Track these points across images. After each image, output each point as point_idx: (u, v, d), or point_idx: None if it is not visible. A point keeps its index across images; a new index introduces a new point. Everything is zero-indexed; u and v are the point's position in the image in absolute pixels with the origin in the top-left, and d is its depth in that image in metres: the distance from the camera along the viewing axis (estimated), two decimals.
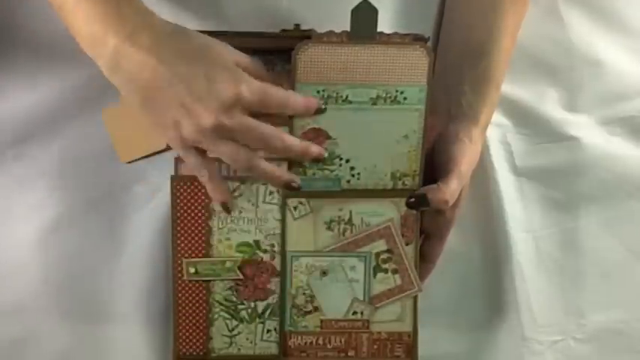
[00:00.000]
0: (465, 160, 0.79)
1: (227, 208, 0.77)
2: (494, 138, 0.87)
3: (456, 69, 0.82)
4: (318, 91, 0.74)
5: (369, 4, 0.73)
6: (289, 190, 0.76)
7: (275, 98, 0.72)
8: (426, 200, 0.77)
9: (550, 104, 0.89)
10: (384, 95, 0.75)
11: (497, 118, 0.87)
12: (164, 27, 0.71)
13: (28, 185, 0.83)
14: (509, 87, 0.87)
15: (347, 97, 0.75)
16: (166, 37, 0.70)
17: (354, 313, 0.80)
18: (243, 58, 0.73)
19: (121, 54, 0.70)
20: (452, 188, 0.77)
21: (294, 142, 0.74)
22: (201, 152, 0.74)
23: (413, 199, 0.77)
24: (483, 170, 0.86)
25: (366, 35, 0.73)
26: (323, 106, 0.74)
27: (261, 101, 0.71)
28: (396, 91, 0.75)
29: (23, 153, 0.83)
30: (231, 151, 0.72)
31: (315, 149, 0.75)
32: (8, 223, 0.83)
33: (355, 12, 0.73)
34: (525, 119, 0.88)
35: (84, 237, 0.83)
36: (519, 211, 0.88)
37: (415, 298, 0.80)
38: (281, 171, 0.75)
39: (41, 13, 0.81)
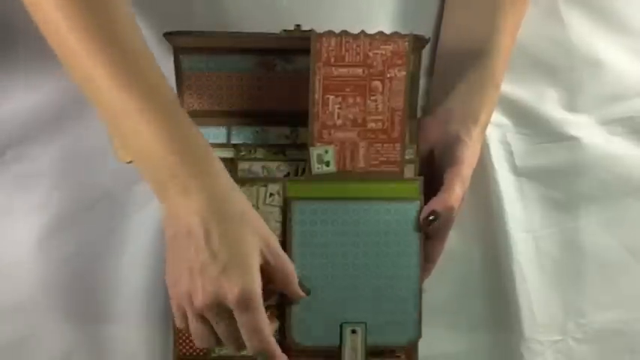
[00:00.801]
0: (466, 162, 0.79)
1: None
2: (494, 138, 0.87)
3: (456, 69, 0.82)
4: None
5: None
6: None
7: (254, 322, 0.70)
8: (435, 215, 0.77)
9: (550, 104, 0.89)
10: None
11: (497, 118, 0.87)
12: (222, 186, 0.71)
13: (28, 185, 0.83)
14: (509, 87, 0.87)
15: None
16: (219, 200, 0.70)
17: None
18: (270, 237, 0.72)
19: (170, 193, 0.70)
20: (455, 193, 0.77)
21: (267, 346, 0.72)
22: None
23: (423, 221, 0.77)
24: (483, 170, 0.86)
25: None
26: None
27: (241, 314, 0.70)
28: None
29: (23, 153, 0.84)
30: (224, 331, 0.72)
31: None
32: (8, 223, 0.83)
33: None
34: (525, 119, 0.88)
35: (84, 237, 0.83)
36: (519, 211, 0.88)
37: (419, 302, 0.79)
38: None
39: None
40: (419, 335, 0.79)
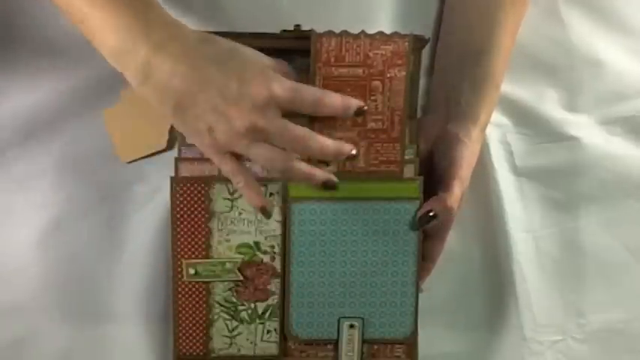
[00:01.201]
0: (466, 163, 0.79)
1: (266, 212, 0.77)
2: (495, 138, 0.87)
3: (456, 68, 0.82)
4: None
5: None
6: (327, 189, 0.75)
7: (309, 96, 0.72)
8: (432, 214, 0.77)
9: (550, 104, 0.89)
10: None
11: (497, 118, 0.87)
12: (192, 35, 0.71)
13: (29, 185, 0.83)
14: (509, 87, 0.87)
15: None
16: (195, 44, 0.70)
17: None
18: (270, 61, 0.72)
19: (151, 64, 0.69)
20: (455, 194, 0.77)
21: (327, 142, 0.73)
22: (237, 158, 0.73)
23: (418, 220, 0.77)
24: (483, 170, 0.86)
25: None
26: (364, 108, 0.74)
27: (294, 99, 0.71)
28: None
29: (23, 153, 0.84)
30: (266, 154, 0.72)
31: (347, 148, 0.74)
32: (8, 223, 0.83)
33: None
34: (525, 119, 0.88)
35: (84, 237, 0.83)
36: (519, 211, 0.88)
37: (415, 299, 0.79)
38: (318, 170, 0.75)
39: (42, 13, 0.81)
40: (415, 330, 0.80)
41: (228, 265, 0.78)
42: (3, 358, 0.83)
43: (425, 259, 0.80)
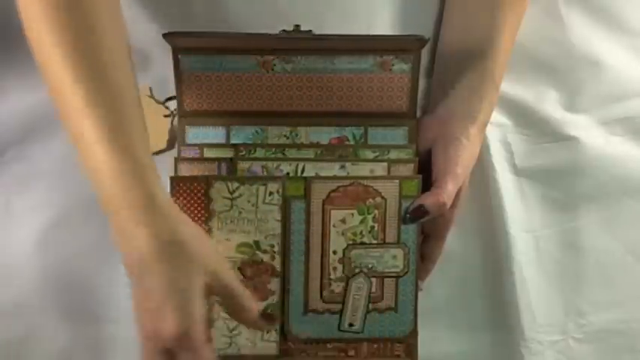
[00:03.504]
0: (461, 161, 0.78)
1: None
2: (495, 138, 0.87)
3: (455, 68, 0.81)
4: None
5: None
6: None
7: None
8: (424, 209, 0.77)
9: (550, 104, 0.89)
10: None
11: (498, 118, 0.87)
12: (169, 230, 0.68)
13: (28, 185, 0.83)
14: (510, 87, 0.87)
15: None
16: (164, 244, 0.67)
17: None
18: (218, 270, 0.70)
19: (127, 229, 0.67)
20: (448, 190, 0.76)
21: None
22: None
23: (410, 215, 0.77)
24: (483, 170, 0.86)
25: None
26: None
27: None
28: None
29: (23, 153, 0.84)
30: None
31: None
32: (8, 223, 0.83)
33: None
34: (525, 119, 0.88)
35: (84, 237, 0.83)
36: (519, 211, 0.88)
37: (415, 298, 0.79)
38: None
39: None
40: (414, 329, 0.80)
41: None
42: (3, 358, 0.83)
43: (425, 259, 0.80)
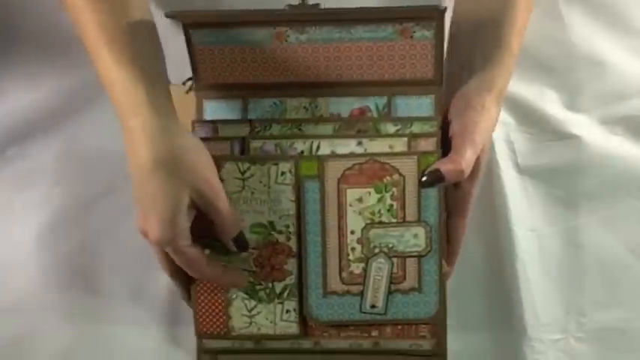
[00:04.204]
0: (479, 129, 0.75)
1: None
2: (498, 136, 0.87)
3: (469, 39, 0.79)
4: None
5: None
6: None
7: (193, 265, 0.73)
8: (440, 175, 0.74)
9: (551, 103, 0.90)
10: None
11: (501, 116, 0.86)
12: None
13: (28, 183, 0.83)
14: (512, 86, 0.86)
15: None
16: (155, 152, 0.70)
17: None
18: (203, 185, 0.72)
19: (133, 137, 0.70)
20: (466, 157, 0.73)
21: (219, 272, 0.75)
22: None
23: (426, 177, 0.74)
24: (487, 168, 0.85)
25: None
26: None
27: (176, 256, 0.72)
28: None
29: (23, 151, 0.84)
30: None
31: (240, 280, 0.76)
32: (8, 221, 0.83)
33: None
34: (528, 118, 0.89)
35: (84, 235, 0.83)
36: (523, 210, 0.88)
37: (440, 277, 0.77)
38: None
39: (41, 13, 0.81)
40: (440, 309, 0.77)
41: (243, 255, 0.77)
42: (3, 357, 0.82)
43: (449, 239, 0.78)
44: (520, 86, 0.87)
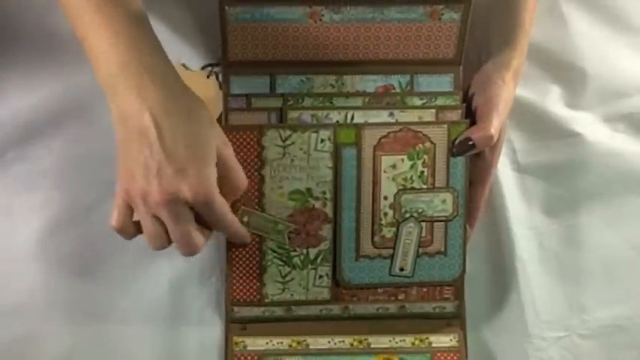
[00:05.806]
0: (502, 100, 0.79)
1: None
2: None
3: (485, 21, 0.82)
4: None
5: None
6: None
7: (215, 215, 0.72)
8: (471, 143, 0.78)
9: (553, 101, 0.90)
10: None
11: None
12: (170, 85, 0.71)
13: (29, 185, 0.83)
14: None
15: None
16: (170, 98, 0.70)
17: None
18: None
19: (119, 91, 0.70)
20: (494, 124, 0.78)
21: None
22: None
23: (457, 147, 0.79)
24: None
25: None
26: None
27: (201, 209, 0.71)
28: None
29: (24, 153, 0.84)
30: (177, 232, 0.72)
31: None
32: (9, 223, 0.83)
33: None
34: (528, 116, 0.89)
35: (84, 237, 0.83)
36: (522, 208, 0.88)
37: (464, 241, 0.81)
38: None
39: (42, 13, 0.81)
40: (463, 271, 0.82)
41: (280, 227, 0.78)
42: (4, 358, 0.82)
43: (470, 206, 0.81)
44: (520, 85, 0.87)
